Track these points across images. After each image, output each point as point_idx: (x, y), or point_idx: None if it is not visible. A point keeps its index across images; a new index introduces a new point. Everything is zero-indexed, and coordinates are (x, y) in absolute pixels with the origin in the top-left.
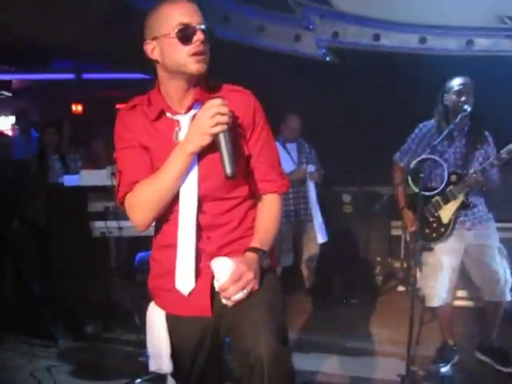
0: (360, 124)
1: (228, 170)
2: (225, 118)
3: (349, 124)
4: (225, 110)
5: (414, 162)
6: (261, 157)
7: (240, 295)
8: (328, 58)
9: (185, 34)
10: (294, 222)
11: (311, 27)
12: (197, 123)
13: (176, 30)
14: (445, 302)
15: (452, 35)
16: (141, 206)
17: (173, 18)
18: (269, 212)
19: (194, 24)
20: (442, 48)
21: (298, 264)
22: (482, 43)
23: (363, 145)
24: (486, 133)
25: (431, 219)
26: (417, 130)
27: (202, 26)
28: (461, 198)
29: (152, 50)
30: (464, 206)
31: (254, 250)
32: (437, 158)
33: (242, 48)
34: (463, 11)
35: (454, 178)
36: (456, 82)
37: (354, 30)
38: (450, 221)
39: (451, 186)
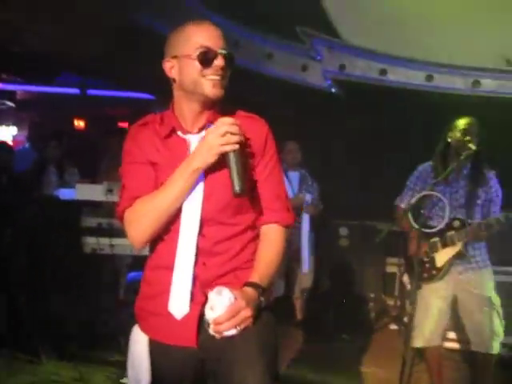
0: (361, 157)
1: (237, 186)
2: (235, 138)
3: (350, 158)
4: (235, 129)
5: (415, 198)
6: (267, 185)
7: (232, 332)
8: (333, 90)
9: (205, 58)
10: (286, 253)
11: (319, 58)
12: (206, 140)
13: (197, 52)
14: (429, 343)
15: (459, 74)
16: (139, 222)
17: (196, 39)
18: (271, 245)
19: (216, 48)
20: (448, 87)
21: (290, 294)
22: (488, 84)
23: (363, 178)
24: (488, 173)
25: (425, 259)
26: (415, 172)
27: (224, 51)
28: (459, 246)
29: (171, 68)
30: (460, 255)
31: (254, 285)
32: (439, 195)
33: (249, 74)
34: (471, 51)
35: (456, 223)
36: (462, 121)
37: (361, 64)
38: (443, 266)
39: (452, 232)
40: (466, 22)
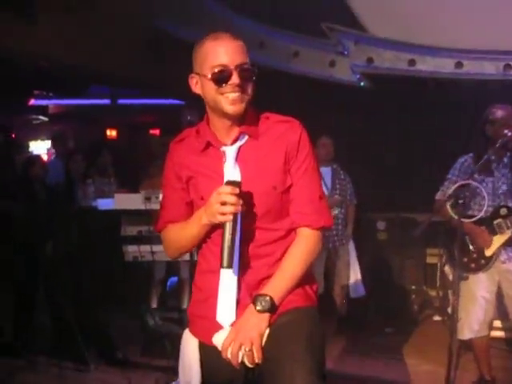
0: (396, 149)
1: (224, 261)
2: (230, 209)
3: (384, 149)
4: (232, 199)
5: (453, 188)
6: (298, 188)
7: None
8: (362, 84)
9: (220, 77)
10: (325, 248)
11: (346, 53)
12: (210, 202)
13: (212, 73)
14: (477, 334)
15: (489, 59)
16: (169, 246)
17: (211, 58)
18: (298, 248)
19: (232, 65)
20: (479, 72)
21: (331, 290)
22: None
23: (399, 170)
24: None
25: (472, 249)
26: (456, 164)
27: (245, 66)
28: (508, 233)
29: (195, 83)
30: (509, 242)
31: (256, 298)
32: (476, 183)
33: (276, 73)
34: (500, 35)
35: (503, 211)
36: (498, 114)
37: (389, 56)
38: (493, 254)
39: (500, 220)
40: (493, 5)
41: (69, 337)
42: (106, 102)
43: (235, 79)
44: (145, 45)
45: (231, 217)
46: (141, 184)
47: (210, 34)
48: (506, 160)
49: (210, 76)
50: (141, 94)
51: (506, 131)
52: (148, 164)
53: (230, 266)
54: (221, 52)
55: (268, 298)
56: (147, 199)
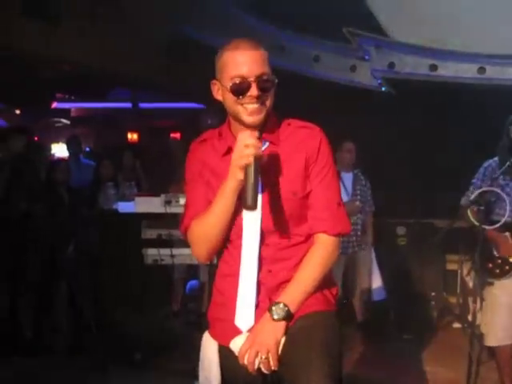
0: (417, 155)
1: (248, 200)
2: (251, 150)
3: (405, 155)
4: (251, 141)
5: (475, 195)
6: (316, 194)
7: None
8: (384, 89)
9: (239, 89)
10: (343, 254)
11: (367, 58)
12: (235, 150)
13: (231, 84)
14: (501, 343)
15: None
16: (197, 243)
17: (230, 68)
18: (315, 254)
19: (251, 76)
20: (502, 78)
21: (350, 296)
22: None
23: (419, 176)
24: None
25: (497, 255)
26: (481, 169)
27: (264, 77)
28: None
29: (217, 90)
30: None
31: (272, 306)
32: (498, 190)
33: (297, 78)
34: None
35: None
36: None
37: (410, 61)
38: None
39: None
40: None
41: (88, 338)
42: (127, 105)
43: (254, 91)
44: (167, 49)
45: (251, 158)
46: (169, 188)
47: (231, 41)
48: None
49: (228, 87)
50: (162, 97)
51: None
52: (173, 168)
53: (254, 205)
54: (240, 62)
55: (283, 306)
56: (167, 203)
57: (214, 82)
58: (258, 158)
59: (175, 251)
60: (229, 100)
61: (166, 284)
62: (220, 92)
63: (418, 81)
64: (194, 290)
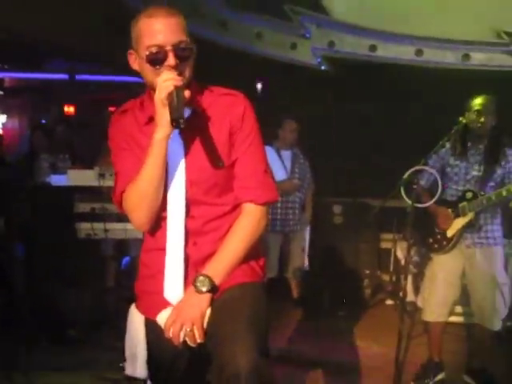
0: (353, 135)
1: (174, 114)
2: (170, 82)
3: (342, 134)
4: (170, 75)
5: (407, 173)
6: (241, 163)
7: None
8: (323, 67)
9: (155, 58)
10: (280, 232)
11: (307, 36)
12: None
13: (147, 53)
14: (436, 319)
15: (449, 48)
16: (133, 205)
17: (145, 37)
18: (241, 224)
19: (167, 45)
20: (439, 61)
21: (285, 274)
22: (478, 57)
23: (355, 156)
24: (509, 149)
25: (437, 230)
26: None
27: (181, 45)
28: (470, 216)
29: (134, 60)
30: (470, 225)
31: (196, 279)
32: (427, 168)
33: (238, 54)
34: (460, 24)
35: (469, 195)
36: (477, 101)
37: (350, 40)
38: (453, 236)
39: (464, 203)
40: None
41: (19, 313)
42: (64, 77)
43: (171, 60)
44: (106, 19)
45: (172, 87)
46: (96, 161)
47: (147, 9)
48: (481, 147)
49: (144, 57)
50: (100, 69)
51: (482, 119)
52: (102, 141)
53: (181, 115)
54: (155, 31)
55: (208, 279)
56: (101, 176)
57: (130, 51)
58: (179, 88)
59: (108, 225)
60: (146, 70)
61: (100, 259)
62: (137, 62)
63: (357, 61)
64: (129, 266)
